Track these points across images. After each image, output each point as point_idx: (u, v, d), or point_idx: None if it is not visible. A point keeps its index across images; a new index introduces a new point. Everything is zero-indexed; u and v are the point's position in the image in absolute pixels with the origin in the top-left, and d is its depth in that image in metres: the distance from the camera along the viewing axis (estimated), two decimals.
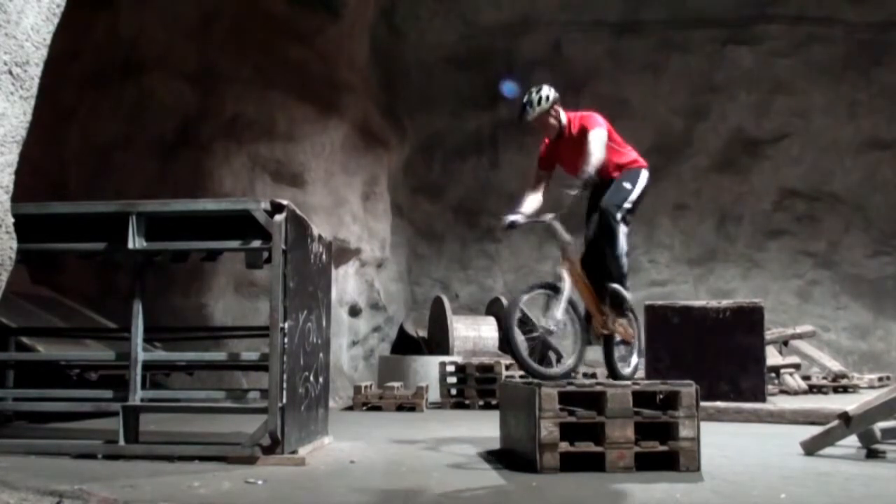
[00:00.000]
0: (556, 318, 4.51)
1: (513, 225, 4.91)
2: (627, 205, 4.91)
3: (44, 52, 3.02)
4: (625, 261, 4.89)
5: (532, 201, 5.06)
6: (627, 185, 4.93)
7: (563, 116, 5.11)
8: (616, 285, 4.86)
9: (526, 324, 4.80)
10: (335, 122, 10.52)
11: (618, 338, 5.06)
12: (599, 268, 4.91)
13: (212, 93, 9.73)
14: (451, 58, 13.48)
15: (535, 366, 4.51)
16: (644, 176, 5.05)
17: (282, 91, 9.92)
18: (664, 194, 13.63)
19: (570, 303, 4.67)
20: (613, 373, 5.01)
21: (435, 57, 13.40)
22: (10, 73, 2.86)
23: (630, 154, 5.10)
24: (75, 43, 8.85)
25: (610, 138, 4.97)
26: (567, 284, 4.63)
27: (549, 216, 4.89)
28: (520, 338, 4.45)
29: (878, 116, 13.43)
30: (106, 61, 9.64)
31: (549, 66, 13.54)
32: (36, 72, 2.99)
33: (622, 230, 4.85)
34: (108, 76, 9.63)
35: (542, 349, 5.15)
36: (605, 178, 4.97)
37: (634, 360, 5.17)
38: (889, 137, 13.42)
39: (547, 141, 5.24)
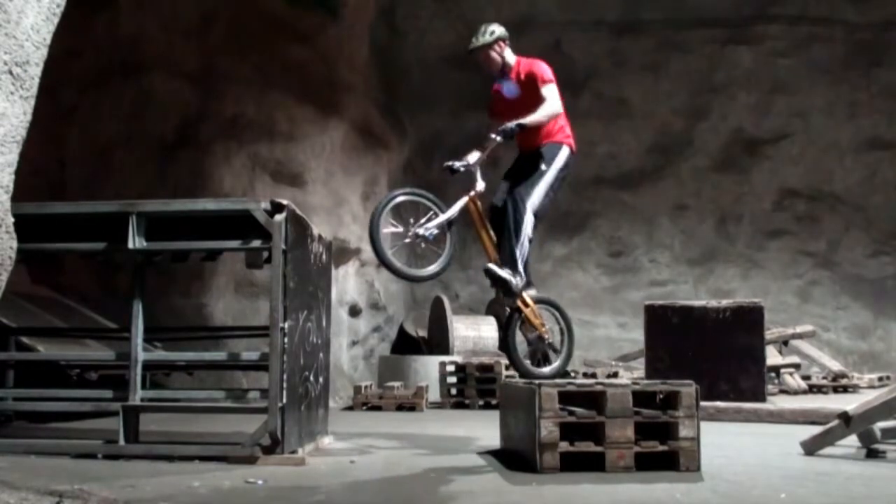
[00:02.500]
0: (429, 226, 4.57)
1: (451, 169, 4.94)
2: (545, 198, 4.88)
3: (44, 52, 3.02)
4: (526, 245, 4.84)
5: (475, 155, 5.02)
6: (543, 167, 4.89)
7: (511, 57, 5.08)
8: (492, 265, 4.81)
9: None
10: (335, 122, 10.52)
11: (534, 332, 5.03)
12: (499, 234, 4.91)
13: (212, 93, 9.73)
14: (451, 58, 13.45)
15: (389, 258, 4.53)
16: (564, 154, 5.01)
17: (282, 91, 9.92)
18: (664, 194, 13.64)
19: (450, 226, 4.70)
20: (511, 358, 4.96)
21: (435, 57, 13.39)
22: (10, 73, 2.86)
23: (563, 130, 5.06)
24: (75, 43, 8.85)
25: None
26: (456, 208, 4.69)
27: (473, 157, 4.92)
28: (384, 234, 4.49)
29: (878, 116, 13.43)
30: (106, 61, 9.64)
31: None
32: (36, 72, 2.99)
33: (529, 220, 4.81)
34: (108, 76, 9.64)
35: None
36: (532, 147, 4.94)
37: (557, 363, 5.11)
38: (889, 137, 13.41)
39: (496, 87, 5.18)
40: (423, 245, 4.65)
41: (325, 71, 10.37)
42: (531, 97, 4.89)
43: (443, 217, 4.64)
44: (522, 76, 5.01)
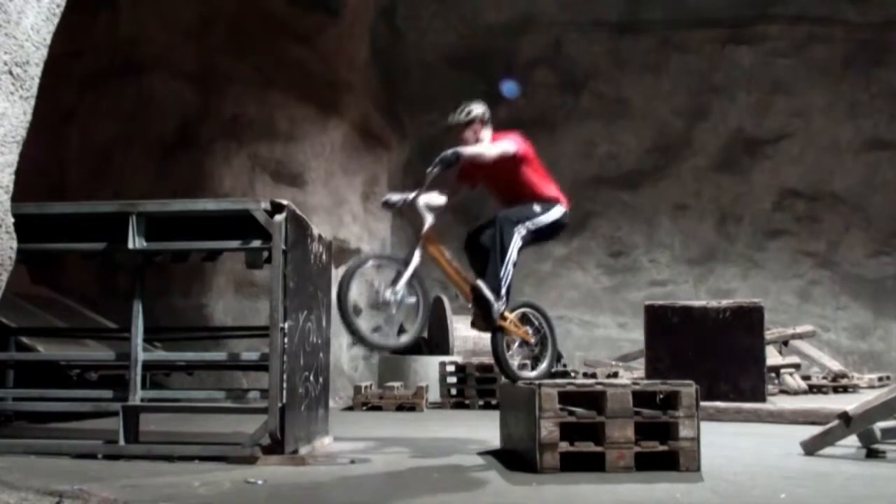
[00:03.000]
0: (395, 289, 4.47)
1: (388, 203, 4.94)
2: (530, 224, 4.77)
3: (44, 52, 3.02)
4: (510, 271, 4.74)
5: (427, 193, 4.94)
6: (537, 208, 4.82)
7: (488, 137, 5.00)
8: (481, 283, 4.75)
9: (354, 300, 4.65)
10: (335, 122, 10.53)
11: (517, 339, 5.01)
12: (478, 263, 4.88)
13: (212, 93, 9.73)
14: (451, 58, 13.48)
15: (369, 336, 4.52)
16: (559, 210, 4.90)
17: (282, 91, 9.92)
18: (664, 194, 13.64)
19: (416, 277, 4.61)
20: (502, 367, 4.94)
21: (435, 57, 13.40)
22: (10, 73, 2.86)
23: (551, 188, 4.97)
24: (75, 43, 8.85)
25: (529, 161, 4.89)
26: (414, 258, 4.60)
27: (411, 195, 4.85)
28: (351, 309, 4.38)
29: (878, 116, 13.43)
30: (106, 61, 9.64)
31: (549, 66, 13.55)
32: (36, 72, 2.99)
33: (516, 242, 4.72)
34: (108, 76, 9.64)
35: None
36: (516, 200, 4.89)
37: (543, 366, 5.08)
38: (889, 137, 13.42)
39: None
40: (396, 309, 4.56)
41: (325, 71, 10.38)
42: (505, 168, 4.83)
43: (406, 274, 4.53)
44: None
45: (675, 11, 13.41)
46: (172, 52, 9.64)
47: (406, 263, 4.57)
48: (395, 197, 4.94)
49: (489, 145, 4.82)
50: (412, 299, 4.60)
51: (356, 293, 4.45)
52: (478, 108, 5.06)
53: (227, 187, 9.52)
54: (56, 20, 3.06)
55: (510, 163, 4.80)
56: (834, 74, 13.41)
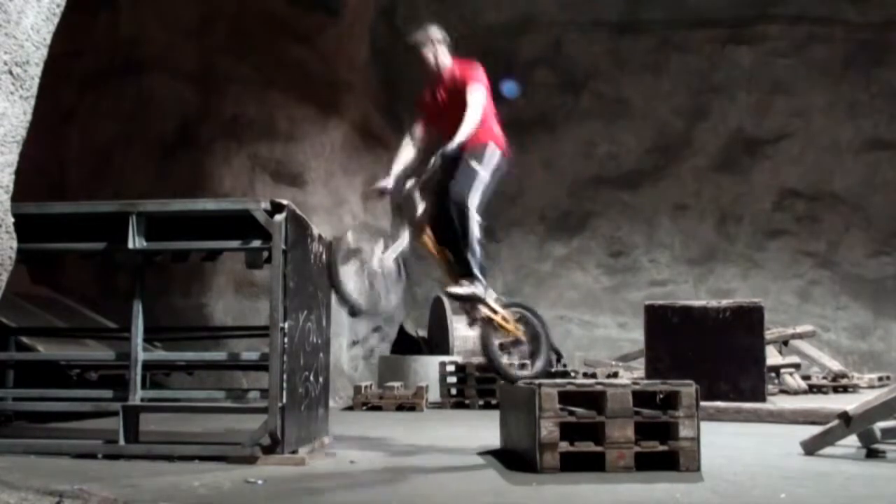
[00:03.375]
0: (383, 258, 4.49)
1: (384, 192, 4.85)
2: (478, 187, 4.71)
3: (44, 52, 3.02)
4: (477, 249, 4.70)
5: (404, 156, 4.92)
6: (475, 165, 4.73)
7: (447, 61, 4.98)
8: (451, 289, 4.73)
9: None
10: (335, 122, 10.53)
11: (508, 337, 4.98)
12: (452, 246, 4.79)
13: (212, 93, 9.73)
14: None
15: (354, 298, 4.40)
16: (492, 151, 4.83)
17: (282, 91, 9.92)
18: (664, 194, 13.64)
19: (402, 259, 4.63)
20: (490, 360, 4.91)
21: None
22: (10, 73, 2.86)
23: (489, 129, 4.90)
24: (75, 43, 8.85)
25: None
26: (404, 240, 4.61)
27: (409, 184, 4.79)
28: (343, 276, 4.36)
29: (878, 116, 13.43)
30: (106, 61, 9.64)
31: (549, 66, 13.55)
32: (36, 72, 2.99)
33: (473, 217, 4.67)
34: (108, 76, 9.64)
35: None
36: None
37: (539, 364, 5.05)
38: (889, 137, 13.41)
39: (427, 92, 5.10)
40: (379, 279, 4.54)
41: (325, 71, 10.37)
42: (462, 101, 4.76)
43: (392, 248, 4.55)
44: (454, 82, 4.91)
45: (675, 11, 13.41)
46: (172, 52, 9.64)
47: (392, 240, 4.60)
48: (389, 183, 4.83)
49: (473, 114, 4.68)
50: (394, 273, 4.61)
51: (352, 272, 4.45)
52: (435, 31, 5.04)
53: (227, 187, 9.52)
54: (56, 20, 3.06)
55: (465, 108, 4.72)
56: (834, 74, 13.40)
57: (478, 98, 4.76)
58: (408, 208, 4.80)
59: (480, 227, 4.73)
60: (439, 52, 4.97)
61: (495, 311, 4.85)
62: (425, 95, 5.09)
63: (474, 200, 4.68)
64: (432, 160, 4.66)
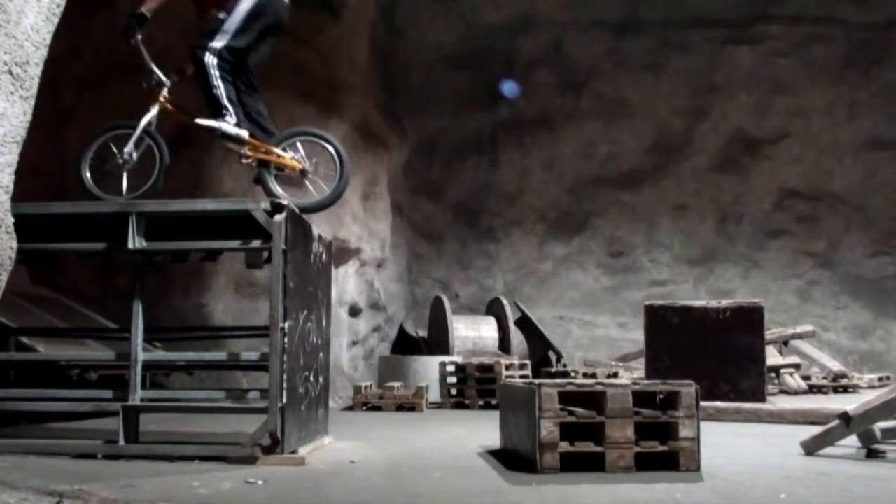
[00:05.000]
0: (126, 150, 4.69)
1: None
2: (219, 38, 4.81)
3: (44, 52, 3.02)
4: (222, 93, 4.80)
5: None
6: (221, 15, 4.84)
7: None
8: (203, 121, 4.83)
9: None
10: (335, 122, 10.51)
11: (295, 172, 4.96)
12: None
13: None
14: (451, 58, 13.47)
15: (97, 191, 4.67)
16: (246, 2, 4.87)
17: (281, 91, 9.90)
18: (664, 194, 13.64)
19: (148, 133, 4.81)
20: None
21: (435, 57, 13.39)
22: (10, 73, 2.86)
23: None
24: (75, 43, 8.85)
25: None
26: (145, 119, 4.80)
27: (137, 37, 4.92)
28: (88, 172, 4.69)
29: (878, 116, 13.43)
30: (106, 61, 9.63)
31: (549, 66, 13.54)
32: (36, 72, 2.99)
33: (210, 61, 4.79)
34: (108, 76, 9.63)
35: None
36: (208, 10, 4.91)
37: (329, 191, 4.93)
38: (889, 137, 13.41)
39: None
40: (128, 167, 4.72)
41: (325, 71, 10.37)
42: None
43: (136, 132, 4.74)
44: None
45: (675, 11, 13.41)
46: (172, 51, 9.61)
47: (132, 127, 4.78)
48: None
49: None
50: (149, 153, 4.79)
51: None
52: None
53: (227, 187, 9.51)
54: (56, 20, 3.06)
55: None
56: (834, 74, 13.40)
57: None
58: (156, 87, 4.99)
59: (225, 66, 4.83)
60: None
61: (269, 153, 4.84)
62: None
63: (215, 45, 4.82)
64: (130, 40, 4.86)
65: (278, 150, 4.90)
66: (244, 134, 4.81)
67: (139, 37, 4.83)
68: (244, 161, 4.91)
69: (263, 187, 4.91)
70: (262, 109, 5.02)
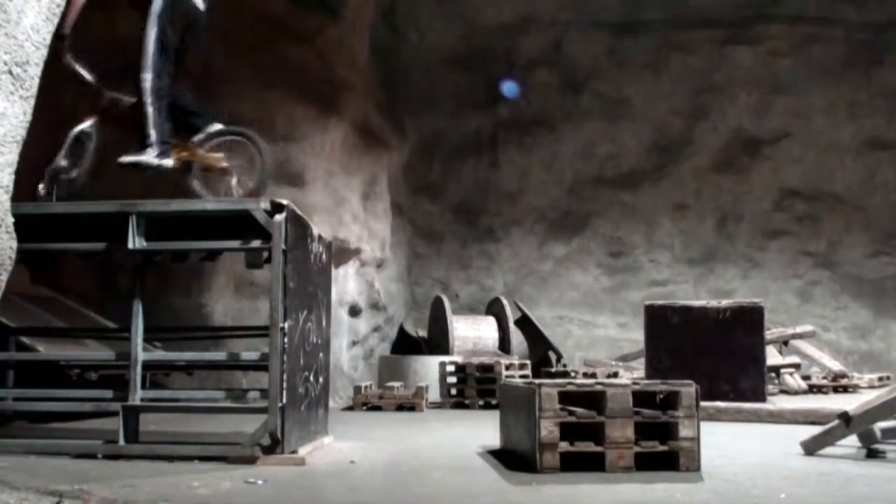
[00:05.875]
0: (58, 159, 4.79)
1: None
2: (156, 48, 4.87)
3: (44, 52, 3.02)
4: (152, 114, 4.82)
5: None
6: (145, 29, 4.87)
7: None
8: (122, 158, 4.89)
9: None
10: (335, 121, 10.51)
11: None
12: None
13: (211, 92, 9.71)
14: (451, 58, 13.47)
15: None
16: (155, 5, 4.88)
17: (281, 91, 9.91)
18: (664, 194, 13.64)
19: (78, 138, 4.94)
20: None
21: (435, 57, 13.40)
22: (10, 73, 2.86)
23: None
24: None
25: None
26: (78, 128, 4.91)
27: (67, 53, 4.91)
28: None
29: (878, 116, 13.42)
30: (105, 61, 9.62)
31: (549, 66, 13.55)
32: (36, 72, 2.99)
33: (147, 89, 4.84)
34: (108, 76, 9.62)
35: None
36: None
37: (256, 176, 4.93)
38: (889, 137, 13.41)
39: None
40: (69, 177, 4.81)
41: (325, 71, 10.36)
42: None
43: (68, 140, 4.86)
44: None
45: (675, 11, 13.41)
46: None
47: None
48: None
49: None
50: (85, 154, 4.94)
51: None
52: None
53: None
54: (56, 20, 3.06)
55: None
56: (834, 74, 13.40)
57: None
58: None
59: (156, 89, 4.85)
60: None
61: (193, 154, 4.88)
62: None
63: (147, 63, 4.86)
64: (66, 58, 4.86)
65: (203, 152, 4.95)
66: (155, 162, 4.83)
67: (68, 55, 4.86)
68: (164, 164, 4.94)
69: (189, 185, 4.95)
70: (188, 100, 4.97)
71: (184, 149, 4.89)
